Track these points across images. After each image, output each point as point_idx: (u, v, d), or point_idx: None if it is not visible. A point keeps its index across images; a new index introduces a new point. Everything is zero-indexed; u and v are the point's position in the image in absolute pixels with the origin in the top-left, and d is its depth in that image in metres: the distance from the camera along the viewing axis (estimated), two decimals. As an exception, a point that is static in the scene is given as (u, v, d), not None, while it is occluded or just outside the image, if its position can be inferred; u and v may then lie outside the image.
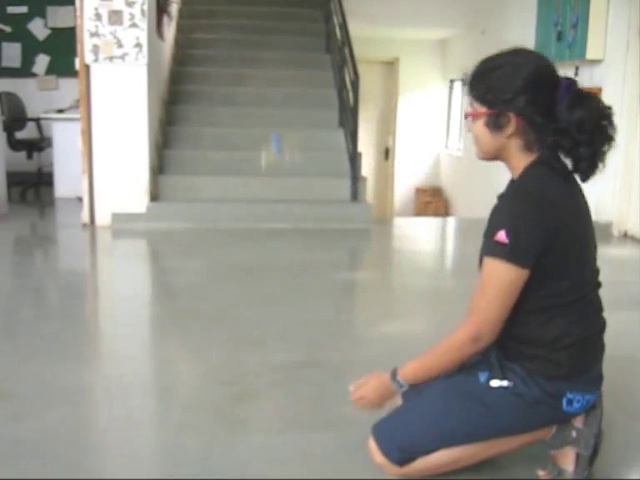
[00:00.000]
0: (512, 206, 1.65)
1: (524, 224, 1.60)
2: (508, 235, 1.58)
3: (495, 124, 1.69)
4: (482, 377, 1.76)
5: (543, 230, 1.61)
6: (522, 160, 1.71)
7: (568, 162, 1.70)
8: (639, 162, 5.26)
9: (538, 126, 1.67)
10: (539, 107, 1.66)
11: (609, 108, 1.68)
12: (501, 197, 1.72)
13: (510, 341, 1.74)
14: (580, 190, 1.76)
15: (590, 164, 1.66)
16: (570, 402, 1.71)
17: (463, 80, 1.88)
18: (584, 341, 1.71)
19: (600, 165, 1.67)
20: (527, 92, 1.65)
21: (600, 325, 1.79)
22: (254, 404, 2.37)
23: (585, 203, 1.76)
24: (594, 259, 1.78)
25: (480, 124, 1.72)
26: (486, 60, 1.74)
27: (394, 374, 1.79)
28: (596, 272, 1.79)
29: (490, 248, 1.63)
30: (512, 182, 1.75)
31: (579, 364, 1.71)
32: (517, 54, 1.72)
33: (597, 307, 1.79)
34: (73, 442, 2.08)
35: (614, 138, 1.67)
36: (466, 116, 1.77)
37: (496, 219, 1.64)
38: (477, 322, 1.65)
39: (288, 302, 3.60)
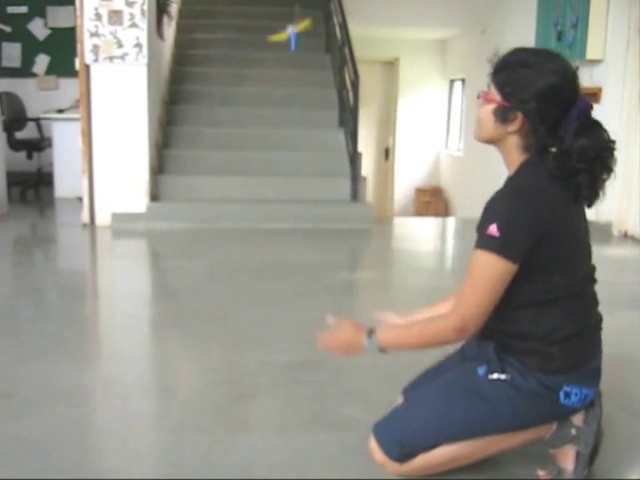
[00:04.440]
0: (505, 201, 1.67)
1: (516, 219, 1.63)
2: (499, 229, 1.61)
3: (502, 116, 1.71)
4: (480, 371, 1.78)
5: (534, 226, 1.63)
6: (518, 158, 1.74)
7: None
8: (639, 162, 5.26)
9: (541, 134, 1.69)
10: (548, 118, 1.67)
11: (613, 142, 1.71)
12: (497, 192, 1.73)
13: (505, 337, 1.77)
14: None
15: (590, 192, 1.69)
16: (567, 395, 1.72)
17: (490, 59, 1.89)
18: (577, 335, 1.72)
19: (600, 193, 1.70)
20: (542, 100, 1.66)
21: (595, 319, 1.81)
22: (254, 404, 2.37)
23: (581, 205, 1.78)
24: (589, 256, 1.80)
25: (488, 109, 1.74)
26: (519, 52, 1.74)
27: (371, 333, 1.76)
28: (592, 269, 1.81)
29: (481, 241, 1.65)
30: (509, 179, 1.77)
31: (574, 358, 1.72)
32: (550, 59, 1.71)
33: (591, 302, 1.81)
34: (73, 442, 2.08)
35: (613, 170, 1.71)
36: (479, 96, 1.78)
37: (489, 213, 1.67)
38: (464, 314, 1.66)
39: (288, 302, 3.60)
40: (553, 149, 1.68)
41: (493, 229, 1.61)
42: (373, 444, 1.82)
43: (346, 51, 6.15)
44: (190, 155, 5.91)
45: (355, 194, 5.83)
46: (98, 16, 5.15)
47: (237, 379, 2.56)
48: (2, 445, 2.03)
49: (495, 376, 1.75)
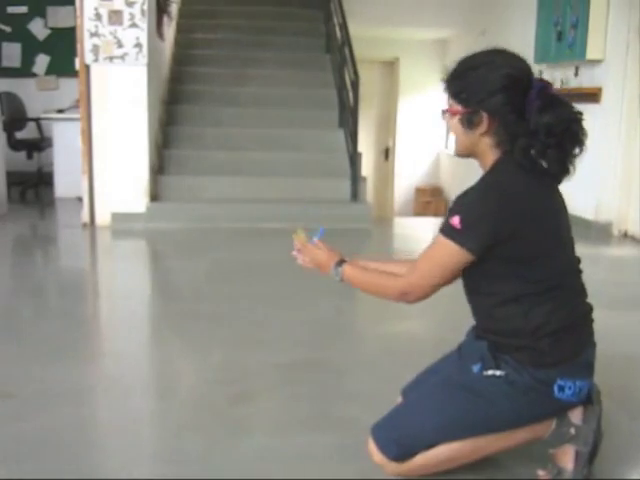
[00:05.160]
0: (472, 196, 1.73)
1: (479, 216, 1.69)
2: (461, 222, 1.68)
3: (468, 122, 1.76)
4: (475, 368, 1.80)
5: (499, 223, 1.68)
6: (492, 157, 1.78)
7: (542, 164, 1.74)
8: (639, 162, 5.26)
9: (510, 125, 1.72)
10: (512, 107, 1.71)
11: (580, 113, 1.73)
12: (471, 186, 1.77)
13: (496, 335, 1.79)
14: (552, 184, 1.79)
15: (560, 167, 1.72)
16: (561, 388, 1.74)
17: (442, 77, 2.01)
18: (567, 328, 1.74)
19: (571, 168, 1.73)
20: (501, 93, 1.70)
21: (583, 311, 1.82)
22: (254, 404, 2.37)
23: (560, 196, 1.81)
24: (571, 248, 1.82)
25: (455, 121, 1.79)
26: (464, 59, 1.79)
27: (340, 263, 1.97)
28: (576, 260, 1.83)
29: (445, 228, 1.73)
30: (482, 177, 1.80)
31: (565, 351, 1.74)
32: (495, 55, 1.77)
33: (578, 293, 1.83)
34: (73, 442, 2.08)
35: (584, 142, 1.73)
36: (443, 112, 1.83)
37: (457, 204, 1.74)
38: (412, 283, 1.79)
39: (288, 302, 3.60)
40: (521, 139, 1.69)
41: (456, 220, 1.69)
42: (372, 445, 1.83)
43: (346, 51, 6.15)
44: (190, 155, 5.91)
45: (355, 194, 5.83)
46: (98, 16, 5.15)
47: (237, 379, 2.56)
48: (2, 445, 2.04)
49: (490, 372, 1.77)
